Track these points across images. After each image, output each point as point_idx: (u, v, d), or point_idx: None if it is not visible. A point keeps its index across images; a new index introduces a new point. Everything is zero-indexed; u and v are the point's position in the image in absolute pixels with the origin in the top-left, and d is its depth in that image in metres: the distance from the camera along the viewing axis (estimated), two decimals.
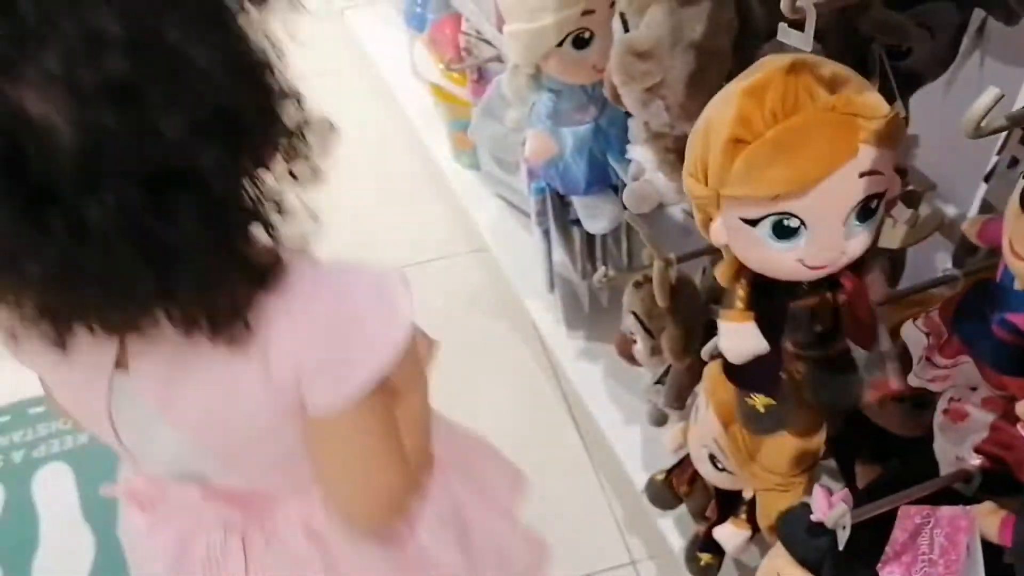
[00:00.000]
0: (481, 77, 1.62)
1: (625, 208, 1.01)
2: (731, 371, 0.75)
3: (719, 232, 0.67)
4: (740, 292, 0.70)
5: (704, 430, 0.89)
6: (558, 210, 1.39)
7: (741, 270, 0.70)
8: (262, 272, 0.60)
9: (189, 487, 0.74)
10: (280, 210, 0.59)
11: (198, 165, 0.52)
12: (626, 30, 0.78)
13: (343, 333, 0.63)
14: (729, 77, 0.68)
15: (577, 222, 1.32)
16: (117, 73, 0.48)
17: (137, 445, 0.71)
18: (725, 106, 0.64)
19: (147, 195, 0.51)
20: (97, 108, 0.48)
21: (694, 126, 0.67)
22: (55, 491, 1.45)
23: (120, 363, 0.65)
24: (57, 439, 1.53)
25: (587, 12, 1.00)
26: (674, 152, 0.85)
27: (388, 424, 0.68)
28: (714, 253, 0.84)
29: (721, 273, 0.72)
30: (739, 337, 0.70)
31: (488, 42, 1.55)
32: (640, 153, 0.95)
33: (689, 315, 0.93)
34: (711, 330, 0.80)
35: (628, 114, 0.87)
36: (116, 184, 0.50)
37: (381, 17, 2.31)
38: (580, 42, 1.03)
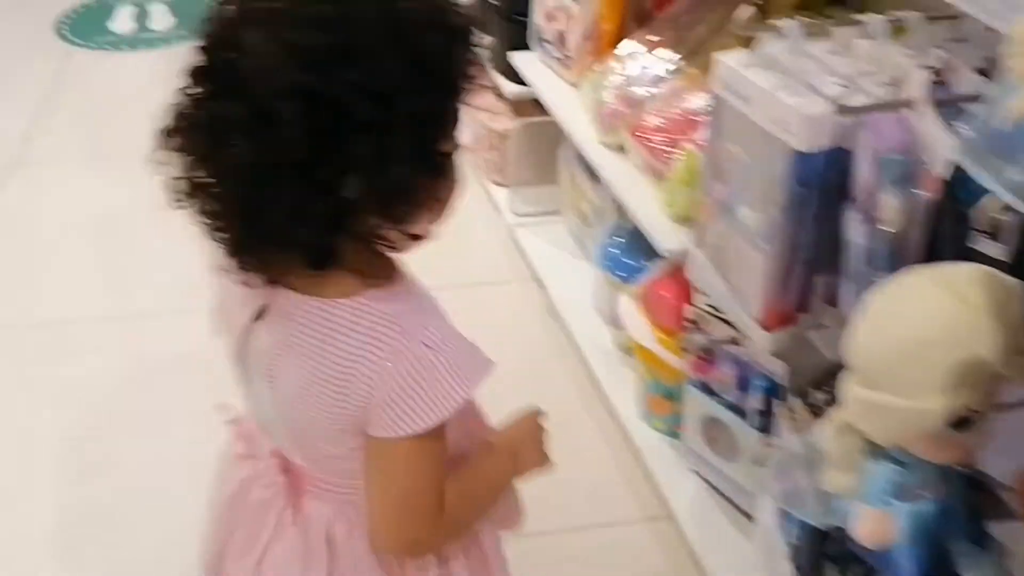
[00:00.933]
0: (707, 354, 1.40)
1: None
2: None
3: None
4: None
5: None
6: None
7: None
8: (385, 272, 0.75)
9: (267, 440, 0.86)
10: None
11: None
12: None
13: (419, 379, 0.72)
14: None
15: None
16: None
17: (249, 387, 0.83)
18: None
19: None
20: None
21: None
22: None
23: (260, 317, 0.78)
24: None
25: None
26: None
27: (434, 473, 0.77)
28: None
29: None
30: None
31: (725, 320, 1.33)
32: None
33: None
34: None
35: None
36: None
37: (552, 237, 2.13)
38: (963, 423, 0.78)
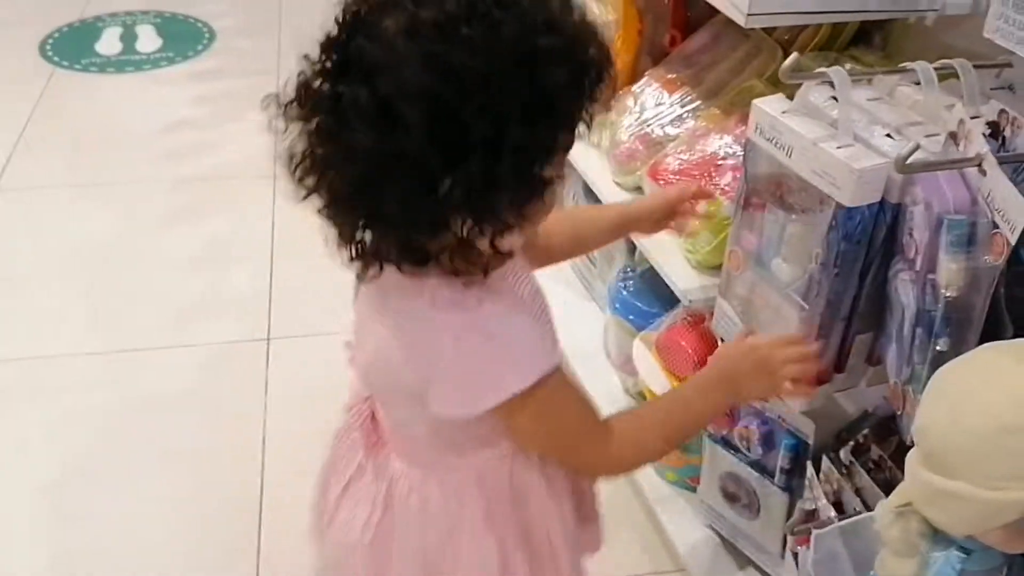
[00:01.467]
0: (730, 408, 1.33)
1: None
2: None
3: None
4: None
5: None
6: None
7: None
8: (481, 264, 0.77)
9: (363, 395, 0.97)
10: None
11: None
12: None
13: (474, 371, 0.79)
14: None
15: None
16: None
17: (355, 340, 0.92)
18: None
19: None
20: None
21: None
22: None
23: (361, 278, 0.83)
24: None
25: None
26: None
27: (564, 413, 0.84)
28: None
29: None
30: None
31: None
32: None
33: None
34: None
35: None
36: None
37: (557, 276, 2.06)
38: None
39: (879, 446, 1.18)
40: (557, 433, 0.85)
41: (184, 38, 3.38)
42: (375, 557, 0.93)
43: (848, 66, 1.32)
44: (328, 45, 0.73)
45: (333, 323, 2.12)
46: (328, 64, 0.72)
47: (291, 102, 0.74)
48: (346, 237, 0.77)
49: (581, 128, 0.75)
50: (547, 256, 1.03)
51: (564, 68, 0.69)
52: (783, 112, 0.97)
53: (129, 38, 3.37)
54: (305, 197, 0.76)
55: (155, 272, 2.25)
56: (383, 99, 0.68)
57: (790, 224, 0.99)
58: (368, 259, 0.78)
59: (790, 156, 0.94)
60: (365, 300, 0.86)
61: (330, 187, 0.74)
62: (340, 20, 0.72)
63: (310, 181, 0.75)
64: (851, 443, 1.24)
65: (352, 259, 0.78)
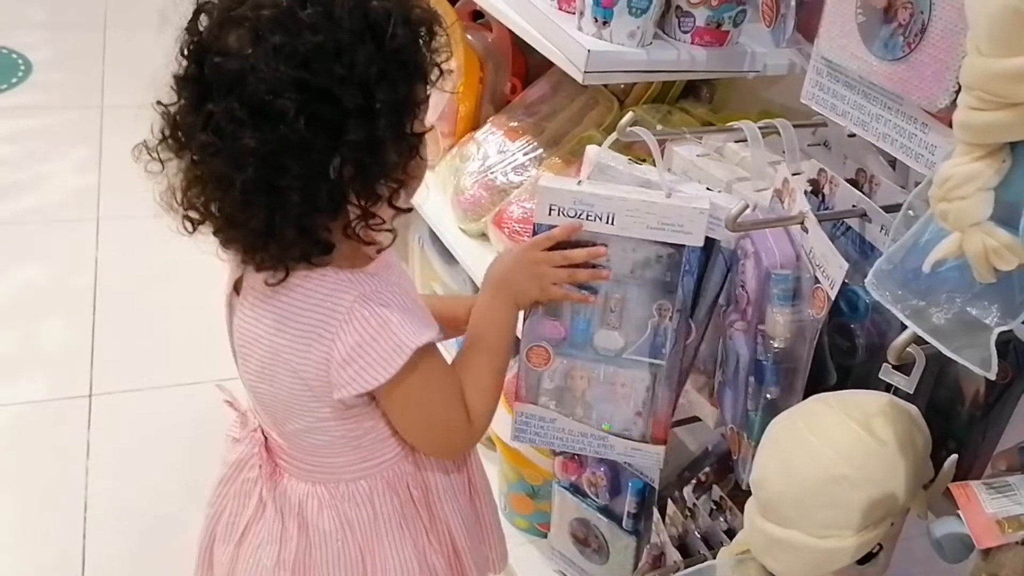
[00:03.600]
0: (577, 455, 1.34)
1: None
2: None
3: None
4: None
5: None
6: None
7: None
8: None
9: (255, 417, 0.95)
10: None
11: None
12: None
13: (371, 338, 0.81)
14: None
15: None
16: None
17: (237, 364, 0.92)
18: None
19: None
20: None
21: None
22: None
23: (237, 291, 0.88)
24: None
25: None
26: None
27: (440, 394, 0.88)
28: None
29: None
30: None
31: None
32: None
33: None
34: None
35: None
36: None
37: None
38: (868, 557, 0.75)
39: (719, 484, 1.22)
40: (429, 404, 0.89)
41: None
42: None
43: (677, 116, 1.39)
44: (183, 78, 0.77)
45: (160, 376, 2.01)
46: (187, 94, 0.77)
47: (162, 140, 0.79)
48: (249, 250, 0.81)
49: (434, 76, 0.81)
50: None
51: (401, 28, 0.76)
52: (579, 184, 0.93)
53: None
54: (194, 228, 0.81)
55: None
56: (254, 102, 0.72)
57: (615, 292, 0.96)
58: (276, 265, 0.81)
59: (611, 222, 0.91)
60: (246, 312, 0.87)
61: (221, 206, 0.78)
62: (185, 52, 0.77)
63: (198, 208, 0.79)
64: (693, 481, 1.28)
65: (259, 270, 0.82)
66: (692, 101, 1.52)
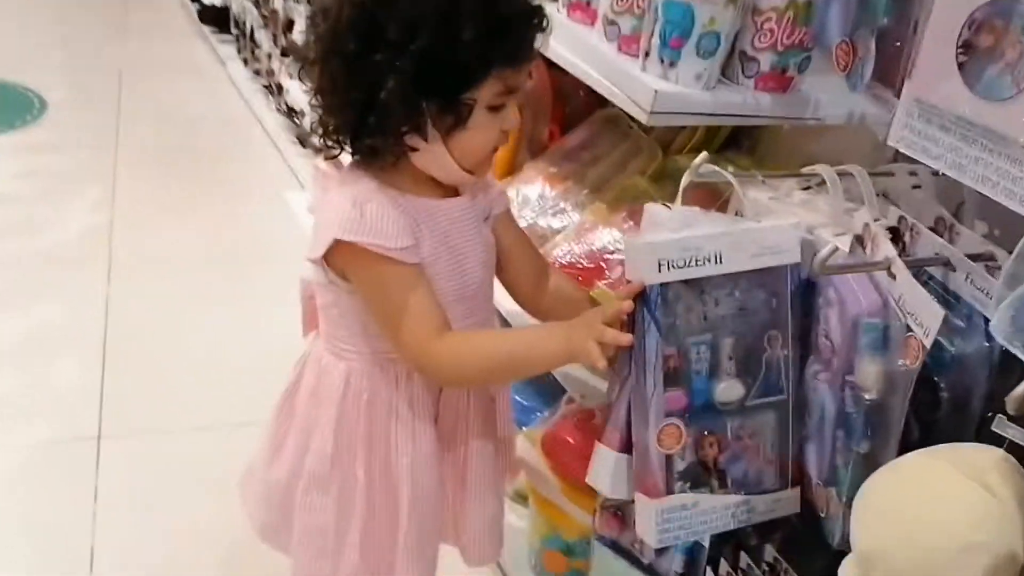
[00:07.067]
0: (622, 511, 1.28)
1: None
2: None
3: None
4: None
5: None
6: None
7: None
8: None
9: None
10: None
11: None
12: None
13: (327, 219, 0.98)
14: None
15: None
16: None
17: None
18: None
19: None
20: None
21: None
22: None
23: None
24: None
25: None
26: None
27: (401, 300, 0.98)
28: None
29: None
30: None
31: None
32: None
33: None
34: None
35: None
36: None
37: None
38: None
39: (767, 541, 1.16)
40: (387, 307, 0.99)
41: (10, 107, 3.12)
42: (279, 423, 1.13)
43: (730, 168, 1.37)
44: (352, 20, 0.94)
45: (171, 419, 1.95)
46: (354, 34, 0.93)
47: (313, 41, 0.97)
48: (330, 130, 0.99)
49: (494, 63, 0.93)
50: (517, 285, 1.13)
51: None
52: (680, 233, 0.88)
53: None
54: (314, 92, 0.99)
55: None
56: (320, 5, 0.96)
57: (726, 337, 0.89)
58: (343, 146, 1.00)
59: (719, 261, 0.87)
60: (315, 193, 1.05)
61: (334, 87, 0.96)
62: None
63: (314, 73, 0.98)
64: (741, 542, 1.22)
65: (329, 147, 1.01)
66: (735, 152, 1.50)
